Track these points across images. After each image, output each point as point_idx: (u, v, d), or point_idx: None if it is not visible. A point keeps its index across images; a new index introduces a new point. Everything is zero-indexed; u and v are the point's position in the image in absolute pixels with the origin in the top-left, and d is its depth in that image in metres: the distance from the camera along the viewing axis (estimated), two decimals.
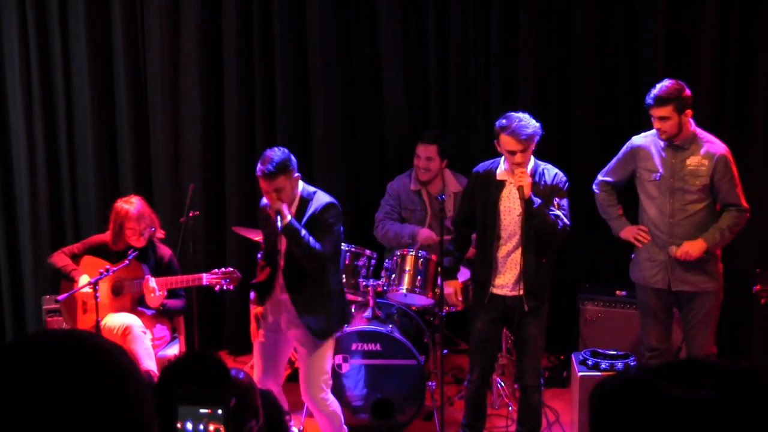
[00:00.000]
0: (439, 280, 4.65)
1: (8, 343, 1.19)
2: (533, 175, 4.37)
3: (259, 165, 4.16)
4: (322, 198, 4.27)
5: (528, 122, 4.29)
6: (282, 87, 6.18)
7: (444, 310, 4.79)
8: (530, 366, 4.52)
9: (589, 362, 4.67)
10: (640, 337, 4.86)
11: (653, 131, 4.61)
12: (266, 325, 4.47)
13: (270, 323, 4.46)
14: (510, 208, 4.40)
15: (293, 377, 5.10)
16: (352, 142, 6.36)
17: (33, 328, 6.31)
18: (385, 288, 5.11)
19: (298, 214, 4.24)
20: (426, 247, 5.35)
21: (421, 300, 5.19)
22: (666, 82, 4.48)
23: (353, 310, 5.20)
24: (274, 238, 4.35)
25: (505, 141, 4.29)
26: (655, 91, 4.46)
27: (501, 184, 4.42)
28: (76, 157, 6.32)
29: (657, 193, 4.59)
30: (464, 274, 4.97)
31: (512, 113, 4.35)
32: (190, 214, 5.45)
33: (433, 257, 4.98)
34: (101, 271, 4.73)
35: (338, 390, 4.85)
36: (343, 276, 4.86)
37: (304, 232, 4.16)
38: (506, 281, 4.44)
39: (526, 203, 4.29)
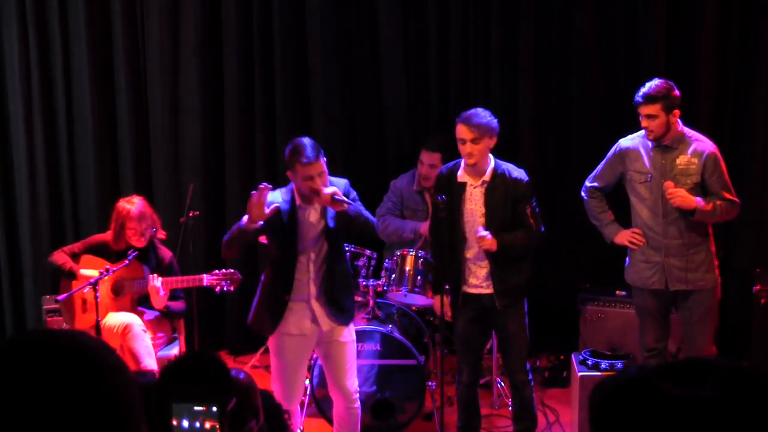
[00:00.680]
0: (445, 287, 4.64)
1: None
2: (494, 177, 4.34)
3: (294, 155, 4.06)
4: (338, 180, 4.24)
5: (482, 114, 4.29)
6: (282, 87, 6.18)
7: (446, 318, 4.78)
8: (515, 362, 4.52)
9: (589, 362, 4.67)
10: (639, 338, 4.86)
11: (641, 133, 4.60)
12: (291, 341, 4.30)
13: (300, 335, 4.30)
14: (473, 210, 4.39)
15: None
16: (352, 142, 6.36)
17: (33, 328, 6.31)
18: (385, 288, 5.11)
19: (330, 209, 4.22)
20: (427, 245, 5.34)
21: (421, 300, 5.19)
22: (655, 81, 4.47)
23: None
24: (294, 238, 4.20)
25: (458, 130, 4.29)
26: (644, 90, 4.45)
27: (462, 186, 4.40)
28: (76, 157, 6.32)
29: (648, 195, 4.58)
30: None
31: (477, 108, 4.37)
32: (190, 214, 5.45)
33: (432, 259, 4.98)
34: (101, 270, 4.74)
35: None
36: None
37: (361, 209, 4.18)
38: (478, 280, 4.43)
39: (497, 253, 4.31)
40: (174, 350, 5.18)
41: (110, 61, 6.25)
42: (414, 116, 6.26)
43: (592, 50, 5.96)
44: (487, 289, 4.42)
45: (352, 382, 4.41)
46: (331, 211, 4.17)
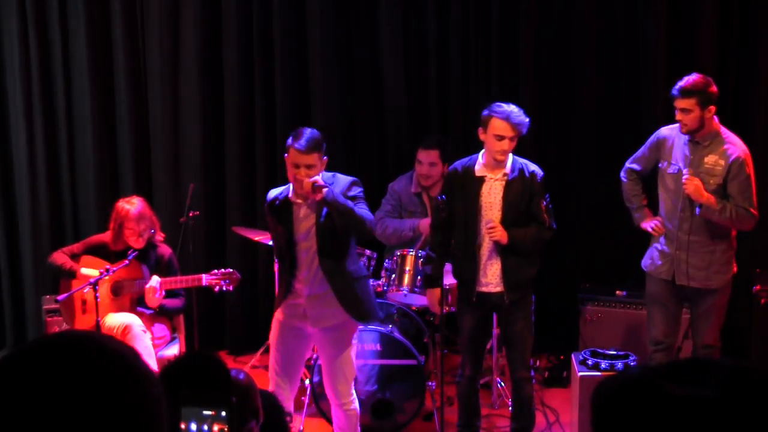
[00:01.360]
0: (442, 281, 4.64)
1: (22, 347, 1.19)
2: (513, 170, 4.37)
3: (293, 139, 4.09)
4: (343, 177, 4.23)
5: (520, 112, 4.34)
6: (282, 87, 6.18)
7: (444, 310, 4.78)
8: (519, 359, 4.53)
9: (589, 362, 4.67)
10: (647, 330, 4.85)
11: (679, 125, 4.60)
12: (286, 329, 4.32)
13: (291, 326, 4.31)
14: (491, 204, 4.40)
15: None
16: (352, 142, 6.36)
17: (33, 328, 6.31)
18: (385, 288, 5.11)
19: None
20: (426, 244, 5.34)
21: (421, 300, 5.19)
22: (693, 75, 4.45)
23: None
24: (289, 231, 4.20)
25: (497, 125, 4.29)
26: (680, 83, 4.43)
27: (480, 180, 4.41)
28: (76, 157, 6.32)
29: (673, 186, 4.60)
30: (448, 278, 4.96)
31: (503, 103, 4.37)
32: (190, 214, 5.46)
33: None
34: (101, 271, 4.74)
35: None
36: None
37: (343, 199, 4.07)
38: (491, 278, 4.44)
39: (508, 245, 4.33)
40: (174, 350, 5.18)
41: (110, 62, 6.25)
42: (414, 117, 6.26)
43: (592, 50, 5.96)
44: (496, 287, 4.43)
45: (343, 386, 4.34)
46: (325, 208, 4.15)
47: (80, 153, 6.31)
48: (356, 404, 4.43)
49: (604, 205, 6.03)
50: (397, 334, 4.96)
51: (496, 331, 5.02)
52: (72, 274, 4.98)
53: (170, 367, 2.54)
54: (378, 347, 4.95)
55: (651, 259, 4.75)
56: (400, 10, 6.14)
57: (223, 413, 1.60)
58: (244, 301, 6.33)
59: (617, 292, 5.64)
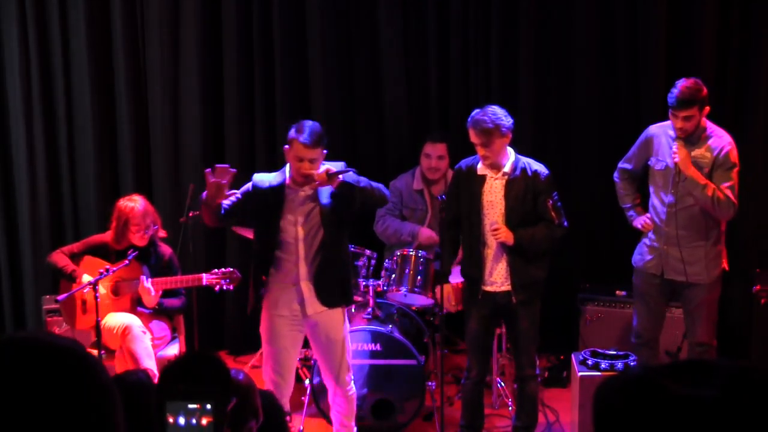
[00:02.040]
0: (449, 278, 4.65)
1: None
2: (514, 170, 4.38)
3: (296, 133, 4.10)
4: (335, 163, 4.24)
5: (490, 117, 4.27)
6: (282, 87, 6.17)
7: (444, 311, 4.79)
8: (525, 358, 4.55)
9: (589, 362, 4.67)
10: (633, 326, 4.94)
11: (668, 122, 4.67)
12: (277, 321, 4.32)
13: (283, 316, 4.31)
14: (493, 203, 4.40)
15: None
16: (352, 141, 6.36)
17: (33, 328, 6.31)
18: (385, 288, 5.11)
19: (325, 190, 4.20)
20: (426, 246, 5.35)
21: (421, 300, 5.19)
22: (686, 83, 4.52)
23: (353, 310, 5.18)
24: (278, 219, 4.19)
25: (470, 133, 4.33)
26: (677, 93, 4.49)
27: (482, 179, 4.42)
28: (76, 157, 6.31)
29: (662, 183, 4.67)
30: (460, 274, 4.98)
31: (489, 106, 4.37)
32: (190, 214, 5.45)
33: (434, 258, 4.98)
34: (101, 271, 4.73)
35: None
36: None
37: (357, 176, 4.13)
38: (496, 278, 4.44)
39: (515, 246, 4.34)
40: (174, 350, 5.18)
41: (110, 61, 6.24)
42: (414, 116, 6.26)
43: (592, 50, 5.96)
44: (502, 287, 4.43)
45: (341, 367, 4.37)
46: (325, 191, 4.17)
47: (80, 153, 6.30)
48: (354, 388, 4.49)
49: (604, 205, 6.03)
50: (397, 334, 4.96)
51: (497, 331, 5.03)
52: (72, 279, 4.97)
53: (170, 366, 2.54)
54: (378, 347, 4.95)
55: (640, 254, 4.83)
56: (400, 10, 6.14)
57: (208, 406, 1.60)
58: (244, 301, 6.31)
59: (617, 292, 5.65)
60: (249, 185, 4.33)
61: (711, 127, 4.62)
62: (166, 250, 5.15)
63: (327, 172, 4.04)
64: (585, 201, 6.11)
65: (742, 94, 5.76)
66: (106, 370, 1.22)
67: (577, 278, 5.95)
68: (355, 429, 4.61)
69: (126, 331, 4.84)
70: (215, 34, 6.21)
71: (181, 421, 1.63)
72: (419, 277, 5.01)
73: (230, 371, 2.57)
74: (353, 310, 5.21)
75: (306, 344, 4.59)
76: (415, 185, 5.69)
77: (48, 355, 1.16)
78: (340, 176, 4.05)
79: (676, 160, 4.50)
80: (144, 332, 4.91)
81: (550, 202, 4.39)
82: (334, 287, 4.29)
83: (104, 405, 1.18)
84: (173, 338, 5.29)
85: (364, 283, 5.14)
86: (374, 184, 4.23)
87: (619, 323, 5.58)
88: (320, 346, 4.38)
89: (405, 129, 6.25)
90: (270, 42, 6.16)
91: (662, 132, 4.70)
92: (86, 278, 4.91)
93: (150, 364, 4.82)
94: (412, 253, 5.07)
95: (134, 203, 5.01)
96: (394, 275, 5.06)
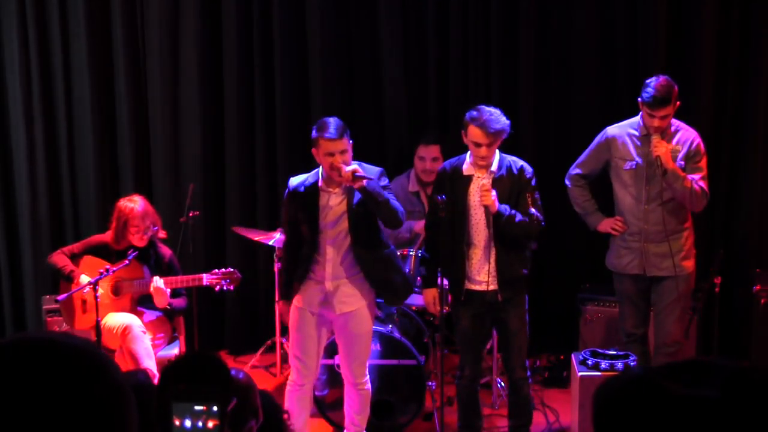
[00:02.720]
0: (438, 281, 4.64)
1: None
2: (500, 168, 4.38)
3: (319, 131, 4.21)
4: (371, 167, 4.31)
5: (498, 117, 4.30)
6: (282, 87, 6.18)
7: (444, 310, 4.78)
8: (515, 359, 4.54)
9: (589, 362, 4.67)
10: (619, 324, 4.98)
11: (629, 121, 4.76)
12: (305, 316, 4.41)
13: (311, 313, 4.41)
14: (478, 203, 4.39)
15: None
16: (352, 142, 6.35)
17: (33, 328, 6.31)
18: None
19: (355, 194, 4.25)
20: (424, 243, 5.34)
21: (421, 300, 5.18)
22: (661, 81, 4.55)
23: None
24: (316, 218, 4.29)
25: (473, 133, 4.30)
26: (654, 92, 4.51)
27: (468, 179, 4.42)
28: (76, 157, 6.31)
29: (632, 182, 4.71)
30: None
31: (484, 106, 4.37)
32: (190, 214, 5.46)
33: None
34: (101, 271, 4.74)
35: (338, 390, 4.85)
36: None
37: (380, 189, 4.18)
38: (483, 277, 4.43)
39: (495, 217, 4.31)
40: (174, 350, 5.18)
41: (110, 62, 6.24)
42: (414, 117, 6.26)
43: (592, 50, 5.96)
44: (490, 286, 4.42)
45: (360, 367, 4.49)
46: (356, 195, 4.24)
47: (80, 153, 6.30)
48: (369, 384, 4.56)
49: (604, 205, 6.02)
50: (397, 334, 4.96)
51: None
52: (71, 279, 4.97)
53: (170, 366, 2.54)
54: (378, 347, 4.95)
55: (617, 257, 4.86)
56: (400, 9, 6.14)
57: (215, 408, 1.60)
58: (244, 301, 6.33)
59: None
60: (286, 191, 4.46)
61: (675, 122, 4.67)
62: (166, 251, 5.15)
63: (354, 171, 4.11)
64: None
65: (742, 94, 5.76)
66: (120, 370, 1.23)
67: (577, 278, 5.95)
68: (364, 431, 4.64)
69: (126, 330, 4.84)
70: (215, 34, 6.21)
71: (188, 423, 1.63)
72: (419, 278, 5.00)
73: (230, 371, 2.57)
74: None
75: None
76: (410, 187, 5.69)
77: (62, 354, 1.16)
78: (364, 181, 4.11)
79: (658, 153, 4.50)
80: (144, 332, 4.91)
81: (530, 198, 4.38)
82: (362, 287, 4.38)
83: (118, 405, 1.18)
84: (173, 338, 5.29)
85: None
86: (395, 204, 4.25)
87: (619, 323, 5.57)
88: (344, 340, 4.49)
89: (404, 129, 6.24)
90: (270, 42, 6.16)
91: (623, 132, 4.75)
92: (84, 279, 4.91)
93: (150, 364, 4.82)
94: (412, 253, 5.06)
95: (134, 204, 5.01)
96: None
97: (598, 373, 4.62)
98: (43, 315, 5.67)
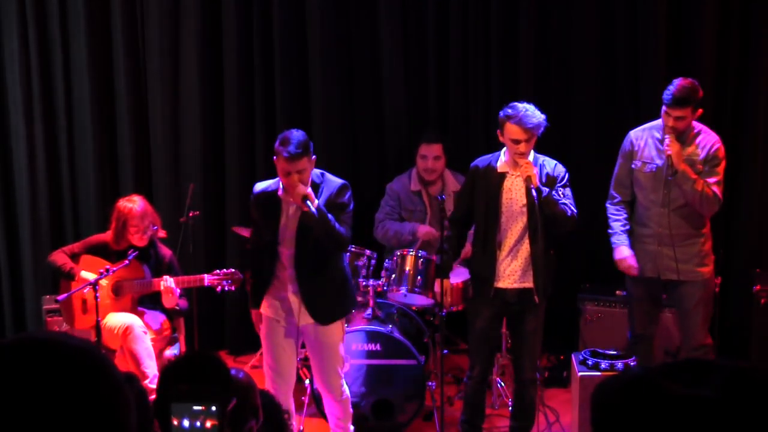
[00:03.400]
0: (450, 275, 4.66)
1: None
2: (534, 165, 4.38)
3: (280, 146, 4.07)
4: (333, 180, 4.23)
5: (534, 112, 4.31)
6: (282, 87, 6.17)
7: (444, 311, 4.79)
8: (528, 360, 4.54)
9: (589, 362, 4.67)
10: (628, 324, 4.98)
11: (652, 124, 4.72)
12: (274, 326, 4.35)
13: (278, 322, 4.35)
14: (512, 200, 4.40)
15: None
16: (352, 142, 6.36)
17: (33, 328, 6.31)
18: (385, 288, 5.11)
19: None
20: (426, 246, 5.35)
21: (421, 300, 5.19)
22: (684, 82, 4.52)
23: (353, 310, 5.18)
24: (275, 227, 4.22)
25: (511, 130, 4.30)
26: (674, 91, 4.49)
27: (502, 176, 4.43)
28: (76, 157, 6.31)
29: (652, 184, 4.68)
30: (462, 274, 4.97)
31: (517, 103, 4.37)
32: (190, 214, 5.46)
33: (434, 257, 4.98)
34: (101, 270, 4.74)
35: None
36: None
37: (330, 216, 4.09)
38: (511, 274, 4.44)
39: (537, 192, 4.30)
40: (174, 350, 5.18)
41: (110, 62, 6.24)
42: (414, 116, 6.26)
43: (592, 50, 5.96)
44: (515, 284, 4.43)
45: (334, 379, 4.39)
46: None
47: (80, 153, 6.30)
48: (347, 392, 4.49)
49: (604, 204, 6.03)
50: (397, 334, 4.96)
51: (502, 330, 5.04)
52: (71, 276, 4.97)
53: (170, 366, 2.54)
54: (378, 347, 4.95)
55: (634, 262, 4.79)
56: (400, 9, 6.14)
57: (214, 408, 1.60)
58: (244, 301, 6.32)
59: (617, 292, 5.64)
60: (252, 197, 4.35)
61: (698, 125, 4.65)
62: (166, 252, 5.16)
63: (303, 196, 4.02)
64: (585, 201, 6.10)
65: (742, 94, 5.76)
66: (120, 371, 1.23)
67: (577, 278, 5.95)
68: (353, 429, 4.61)
69: (127, 330, 4.84)
70: (215, 34, 6.21)
71: (186, 423, 1.63)
72: (419, 277, 5.01)
73: (230, 371, 2.57)
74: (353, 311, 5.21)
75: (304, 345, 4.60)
76: (412, 187, 5.69)
77: (62, 355, 1.16)
78: (308, 206, 4.00)
79: (669, 152, 4.50)
80: (145, 332, 4.91)
81: (562, 189, 4.40)
82: (324, 302, 4.29)
83: (117, 406, 1.18)
84: (173, 338, 5.29)
85: (364, 283, 5.14)
86: (340, 230, 4.12)
87: (619, 323, 5.57)
88: (313, 352, 4.41)
89: (405, 129, 6.25)
90: (270, 42, 6.16)
91: (645, 134, 4.72)
92: (86, 275, 4.91)
93: (151, 364, 4.82)
94: (412, 253, 5.06)
95: (133, 204, 5.01)
96: (394, 275, 5.06)
97: (598, 373, 4.62)
98: (43, 315, 5.67)
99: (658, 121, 4.70)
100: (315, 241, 4.17)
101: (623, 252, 4.77)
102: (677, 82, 4.53)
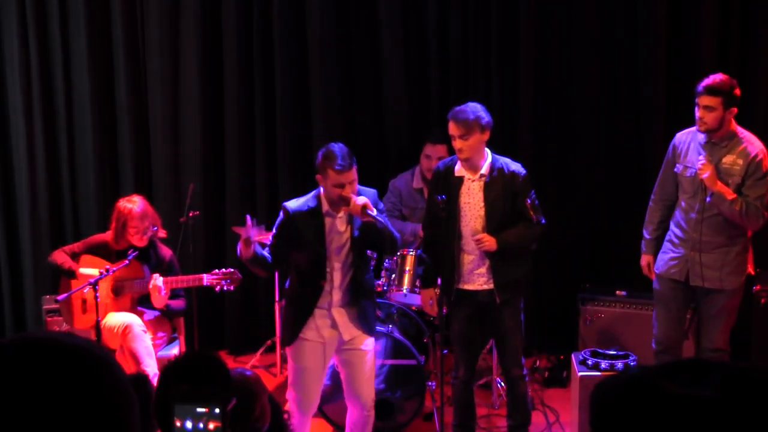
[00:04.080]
0: (438, 281, 4.65)
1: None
2: (491, 171, 4.35)
3: (326, 161, 4.03)
4: (367, 190, 4.22)
5: (473, 109, 4.28)
6: (282, 87, 6.18)
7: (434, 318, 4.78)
8: (511, 358, 4.53)
9: (589, 362, 4.67)
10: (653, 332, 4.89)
11: (696, 127, 4.57)
12: (311, 346, 4.26)
13: (319, 341, 4.27)
14: (470, 204, 4.39)
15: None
16: (352, 142, 6.32)
17: (33, 328, 6.31)
18: (385, 288, 5.11)
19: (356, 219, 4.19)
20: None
21: (420, 300, 5.18)
22: (720, 75, 4.45)
23: None
24: (321, 244, 4.16)
25: (449, 125, 4.31)
26: (707, 80, 4.42)
27: (460, 180, 4.40)
28: (76, 157, 6.32)
29: (690, 189, 4.59)
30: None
31: (470, 102, 4.37)
32: (190, 214, 5.46)
33: None
34: (101, 270, 4.74)
35: (338, 390, 4.85)
36: None
37: (388, 223, 4.13)
38: (475, 277, 4.43)
39: (498, 252, 4.33)
40: (174, 350, 5.18)
41: (110, 62, 6.25)
42: (414, 116, 6.26)
43: (592, 50, 5.95)
44: (484, 285, 4.42)
45: (370, 392, 4.38)
46: (358, 221, 4.16)
47: (80, 153, 6.31)
48: (374, 411, 4.45)
49: (604, 204, 6.04)
50: (397, 334, 4.96)
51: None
52: (71, 274, 4.98)
53: (170, 366, 2.54)
54: (378, 347, 4.95)
55: (664, 260, 4.73)
56: (400, 10, 6.14)
57: (217, 410, 1.60)
58: (244, 301, 6.33)
59: (617, 292, 5.64)
60: (282, 216, 4.25)
61: (742, 132, 4.54)
62: (166, 252, 5.16)
63: (364, 206, 3.99)
64: (585, 201, 6.11)
65: (742, 94, 5.74)
66: (123, 371, 1.23)
67: (577, 278, 5.95)
68: None
69: (126, 330, 4.84)
70: (215, 34, 6.21)
71: (189, 425, 1.63)
72: (419, 277, 5.00)
73: (230, 371, 2.57)
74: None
75: None
76: (414, 184, 5.70)
77: (65, 354, 1.16)
78: (371, 215, 3.99)
79: (704, 176, 4.41)
80: (144, 331, 4.91)
81: (528, 201, 4.37)
82: (365, 312, 4.31)
83: (121, 405, 1.18)
84: (173, 338, 5.29)
85: None
86: (395, 232, 4.18)
87: (619, 323, 5.58)
88: (350, 368, 4.36)
89: (405, 129, 6.25)
90: (270, 42, 6.16)
91: (689, 138, 4.61)
92: (85, 271, 4.91)
93: (151, 364, 4.82)
94: (412, 253, 5.06)
95: (133, 204, 5.01)
96: (394, 275, 5.06)
97: (598, 373, 4.62)
98: (43, 315, 5.67)
99: None
100: (361, 251, 4.21)
101: (645, 259, 4.81)
102: (713, 74, 4.45)
